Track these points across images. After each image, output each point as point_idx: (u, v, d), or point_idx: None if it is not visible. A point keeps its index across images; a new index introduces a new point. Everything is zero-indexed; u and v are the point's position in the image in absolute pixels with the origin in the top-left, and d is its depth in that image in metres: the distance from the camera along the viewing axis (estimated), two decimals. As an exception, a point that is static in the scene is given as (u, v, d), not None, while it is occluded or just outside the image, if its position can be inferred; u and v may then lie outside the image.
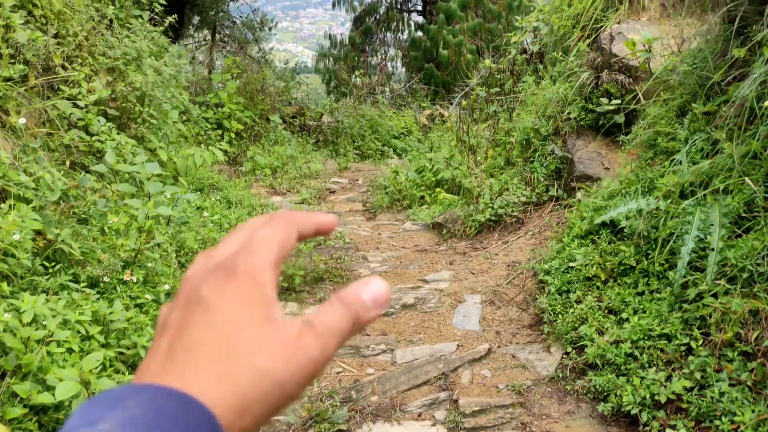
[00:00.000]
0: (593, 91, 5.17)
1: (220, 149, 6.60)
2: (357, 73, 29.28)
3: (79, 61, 5.81)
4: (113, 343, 3.14)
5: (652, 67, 4.59)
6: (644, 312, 3.29)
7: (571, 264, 3.85)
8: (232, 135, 9.98)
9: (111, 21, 6.42)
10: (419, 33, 26.49)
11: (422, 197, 6.61)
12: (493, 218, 5.04)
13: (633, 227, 3.62)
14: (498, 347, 3.63)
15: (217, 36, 21.24)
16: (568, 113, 5.23)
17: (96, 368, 2.72)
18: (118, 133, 5.77)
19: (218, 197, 6.55)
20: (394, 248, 5.14)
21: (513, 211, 5.00)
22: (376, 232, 5.64)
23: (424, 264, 4.71)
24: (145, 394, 0.35)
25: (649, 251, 3.52)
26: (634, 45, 4.52)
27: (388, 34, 27.84)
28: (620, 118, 4.92)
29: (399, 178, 6.76)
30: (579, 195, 4.83)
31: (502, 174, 5.62)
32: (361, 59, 26.93)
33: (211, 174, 7.45)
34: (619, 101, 4.88)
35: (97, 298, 3.26)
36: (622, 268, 3.58)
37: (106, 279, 3.45)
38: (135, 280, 3.52)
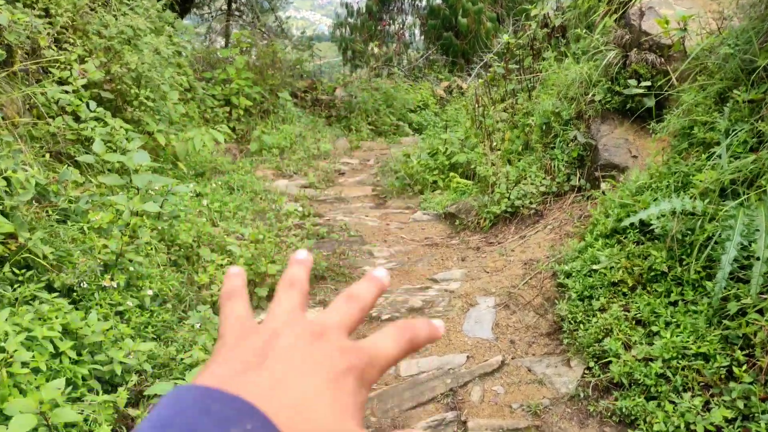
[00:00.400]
0: (620, 71, 4.74)
1: (221, 132, 6.27)
2: (374, 43, 28.70)
3: (72, 41, 5.48)
4: (87, 359, 2.86)
5: (687, 47, 4.15)
6: (678, 326, 2.93)
7: (594, 266, 3.49)
8: (241, 112, 9.67)
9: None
10: (438, 0, 25.86)
11: (435, 182, 6.25)
12: (509, 210, 4.67)
13: (665, 229, 3.24)
14: (512, 359, 3.30)
15: (233, 5, 20.83)
16: (593, 95, 4.81)
17: (63, 391, 2.44)
18: (113, 117, 5.48)
19: (220, 182, 6.25)
20: (403, 241, 4.81)
21: (531, 202, 4.62)
22: (385, 222, 5.31)
23: (434, 260, 4.38)
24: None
25: (683, 256, 3.15)
26: (668, 23, 4.08)
27: (406, 1, 27.22)
28: (650, 102, 4.50)
29: (410, 161, 6.40)
30: (603, 186, 4.44)
31: (519, 160, 5.23)
32: (379, 28, 26.40)
33: (214, 157, 7.14)
34: (649, 83, 4.46)
35: (72, 308, 2.98)
36: (652, 274, 3.21)
37: (83, 285, 3.17)
38: (115, 286, 3.23)
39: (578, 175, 4.72)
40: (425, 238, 4.86)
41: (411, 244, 4.72)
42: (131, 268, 3.33)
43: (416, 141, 10.00)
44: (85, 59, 5.44)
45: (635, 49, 4.64)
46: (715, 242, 2.99)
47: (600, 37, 5.08)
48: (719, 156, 3.25)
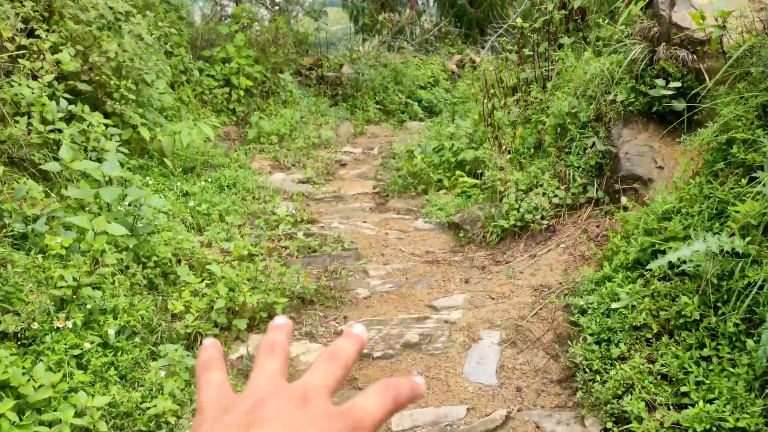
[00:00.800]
0: (646, 68, 4.25)
1: (211, 124, 5.84)
2: (383, 15, 27.98)
3: (45, 27, 5.05)
4: (33, 419, 2.51)
5: (726, 45, 3.66)
6: (712, 390, 2.53)
7: (613, 305, 3.07)
8: (241, 93, 9.22)
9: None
10: None
11: (440, 180, 5.80)
12: (518, 224, 4.24)
13: (698, 269, 2.81)
14: (518, 410, 2.92)
15: None
16: (614, 95, 4.33)
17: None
18: (93, 111, 5.07)
19: (210, 179, 5.84)
20: (402, 255, 4.40)
21: (542, 216, 4.19)
22: (383, 230, 4.89)
23: (435, 282, 3.97)
24: None
25: (718, 303, 2.73)
26: (703, 18, 3.58)
27: None
28: (680, 105, 4.02)
29: (414, 158, 5.95)
30: (624, 200, 4.00)
31: (531, 163, 4.77)
32: None
33: (206, 148, 6.72)
34: (679, 84, 3.97)
35: (16, 358, 2.61)
36: (681, 320, 2.80)
37: (35, 326, 2.80)
38: (71, 326, 2.86)
39: (596, 185, 4.27)
40: (426, 251, 4.44)
41: (410, 260, 4.31)
42: (89, 305, 2.96)
43: (422, 129, 9.51)
44: (60, 48, 5.01)
45: (664, 44, 4.14)
46: (758, 289, 2.56)
47: (624, 27, 4.57)
48: (764, 185, 2.80)
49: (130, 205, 3.68)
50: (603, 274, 3.31)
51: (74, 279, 2.99)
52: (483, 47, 20.18)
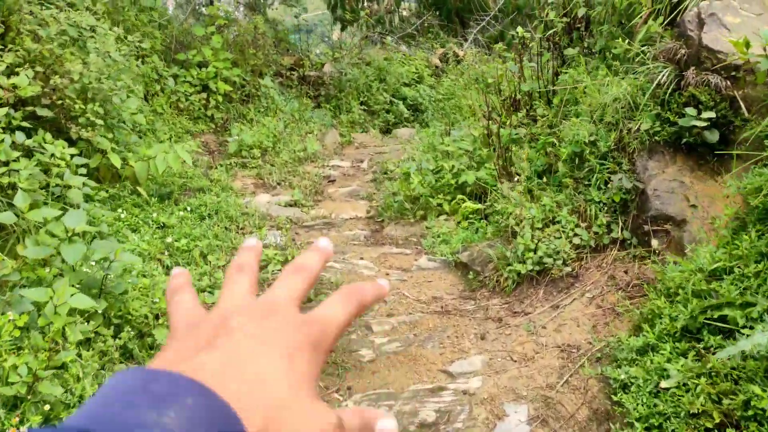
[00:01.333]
0: (673, 94, 3.84)
1: (189, 151, 5.32)
2: (364, 12, 27.58)
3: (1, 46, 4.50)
4: None
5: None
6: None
7: (663, 383, 2.68)
8: (219, 98, 8.70)
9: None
10: None
11: (440, 204, 5.37)
12: (536, 267, 3.83)
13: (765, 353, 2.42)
14: None
15: None
16: (638, 124, 3.92)
17: None
18: (55, 139, 4.54)
19: (189, 206, 5.33)
20: (407, 303, 3.96)
21: (564, 262, 3.78)
22: (383, 270, 4.45)
23: (447, 339, 3.55)
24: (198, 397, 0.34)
25: (795, 394, 2.34)
26: (748, 46, 3.18)
27: None
28: (713, 137, 3.63)
29: (411, 181, 5.50)
30: (655, 244, 3.60)
31: (542, 191, 4.36)
32: None
33: (185, 169, 6.20)
34: (713, 114, 3.57)
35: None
36: (750, 412, 2.40)
37: (-19, 434, 2.32)
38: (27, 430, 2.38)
39: (620, 223, 3.87)
40: (433, 297, 4.01)
41: (417, 308, 3.88)
42: (47, 404, 2.47)
43: (413, 134, 9.06)
44: (17, 69, 4.47)
45: (693, 68, 3.74)
46: None
47: (645, 47, 4.16)
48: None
49: (97, 262, 3.19)
50: (645, 341, 2.90)
51: (30, 370, 2.50)
52: (466, 40, 19.79)
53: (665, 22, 4.20)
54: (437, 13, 24.75)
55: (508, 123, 5.83)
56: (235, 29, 9.93)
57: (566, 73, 5.72)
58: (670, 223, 3.60)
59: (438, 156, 6.44)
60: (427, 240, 4.92)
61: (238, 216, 5.40)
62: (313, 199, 6.31)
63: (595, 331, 3.33)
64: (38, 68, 4.51)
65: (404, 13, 27.40)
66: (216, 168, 7.05)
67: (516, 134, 5.27)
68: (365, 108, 10.57)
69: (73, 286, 3.05)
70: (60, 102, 4.61)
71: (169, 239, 4.68)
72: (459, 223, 5.20)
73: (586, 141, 4.04)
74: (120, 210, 4.82)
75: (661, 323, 2.91)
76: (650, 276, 3.49)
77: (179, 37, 9.34)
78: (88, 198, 4.50)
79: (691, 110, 3.64)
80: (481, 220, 5.09)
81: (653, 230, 3.63)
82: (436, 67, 14.79)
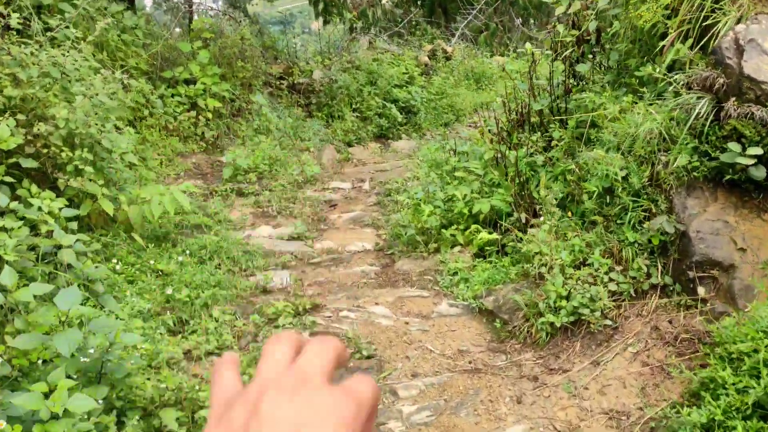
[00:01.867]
0: (712, 127, 3.57)
1: (185, 191, 4.99)
2: (344, 12, 27.18)
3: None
4: None
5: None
6: None
7: (737, 471, 2.41)
8: (209, 115, 8.36)
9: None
10: None
11: (453, 235, 5.08)
12: (571, 318, 3.55)
13: None
14: None
15: None
16: (674, 158, 3.65)
17: None
18: (41, 190, 4.21)
19: (188, 249, 5.01)
20: (431, 358, 3.67)
21: (603, 313, 3.50)
22: (401, 317, 4.15)
23: (481, 404, 3.26)
24: None
25: None
26: (806, 80, 2.91)
27: None
28: (759, 174, 3.36)
29: (422, 212, 5.20)
30: (702, 292, 3.34)
31: (569, 231, 4.08)
32: None
33: (178, 199, 5.86)
34: (760, 150, 3.31)
35: None
36: None
37: None
38: None
39: (660, 267, 3.60)
40: (460, 351, 3.72)
41: (444, 366, 3.59)
42: None
43: (413, 147, 8.76)
44: (-2, 117, 4.12)
45: (733, 99, 3.47)
46: None
47: (673, 73, 3.88)
48: None
49: (96, 347, 2.87)
50: (709, 416, 2.64)
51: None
52: (453, 35, 19.50)
53: (694, 46, 3.92)
54: (419, 3, 24.44)
55: (515, 142, 5.56)
56: (221, 41, 9.57)
57: (581, 91, 5.45)
58: (717, 268, 3.34)
59: (444, 176, 6.16)
60: (444, 278, 4.63)
61: (240, 256, 5.08)
62: (316, 228, 6.00)
63: (644, 394, 3.06)
64: (20, 116, 4.16)
65: (387, 5, 27.08)
66: (212, 196, 6.73)
67: (531, 159, 4.99)
68: (358, 115, 10.31)
69: (69, 377, 2.74)
70: (45, 150, 4.26)
71: (169, 290, 4.37)
72: (475, 255, 4.92)
73: (617, 177, 3.77)
74: (115, 260, 4.48)
75: (726, 395, 2.64)
76: (700, 329, 3.23)
77: (165, 54, 8.96)
78: (80, 255, 4.17)
79: (734, 145, 3.38)
80: (498, 252, 4.82)
81: (699, 277, 3.37)
82: (426, 65, 14.55)
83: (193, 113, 8.19)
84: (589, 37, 5.71)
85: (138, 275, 4.51)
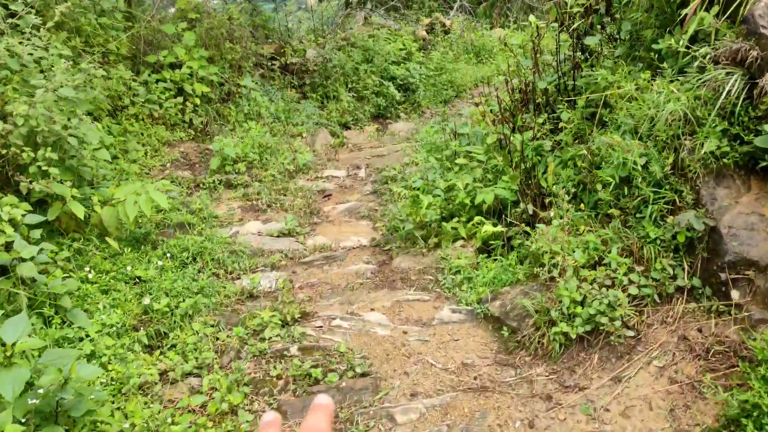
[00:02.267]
0: (743, 106, 3.15)
1: (165, 191, 4.61)
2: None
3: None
4: None
5: None
6: None
7: None
8: (197, 101, 7.94)
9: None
10: None
11: (454, 228, 4.69)
12: (587, 327, 3.17)
13: None
14: None
15: None
16: (701, 143, 3.23)
17: None
18: (3, 193, 3.84)
19: (168, 252, 4.64)
20: (432, 374, 3.31)
21: (623, 322, 3.12)
22: (400, 326, 3.78)
23: (488, 428, 2.90)
24: None
25: None
26: None
27: None
28: (800, 161, 2.95)
29: (420, 204, 4.80)
30: (735, 296, 2.95)
31: (582, 225, 3.68)
32: None
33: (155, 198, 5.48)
34: (800, 134, 2.89)
35: None
36: None
37: None
38: None
39: (686, 268, 3.21)
40: (464, 365, 3.35)
41: (446, 383, 3.22)
42: None
43: (411, 129, 8.32)
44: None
45: (769, 74, 3.04)
46: None
47: (704, 48, 3.44)
48: None
49: (49, 386, 2.51)
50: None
51: None
52: (451, 7, 18.90)
53: (721, 15, 3.48)
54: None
55: (520, 124, 5.13)
56: (208, 22, 9.07)
57: (591, 66, 5.02)
58: (752, 269, 2.95)
59: (444, 161, 5.76)
60: (445, 277, 4.25)
61: (226, 257, 4.70)
62: (309, 221, 5.61)
63: (673, 417, 2.70)
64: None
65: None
66: (199, 189, 6.35)
67: (538, 143, 4.57)
68: (354, 95, 9.89)
69: (18, 421, 2.39)
70: (4, 151, 3.87)
71: (146, 300, 4.00)
72: (479, 249, 4.54)
73: (637, 165, 3.35)
74: (87, 268, 4.12)
75: (772, 426, 2.27)
76: (734, 339, 2.85)
77: (148, 37, 8.49)
78: (47, 265, 3.80)
79: (770, 128, 2.96)
80: (504, 247, 4.44)
81: (732, 279, 2.98)
82: (423, 39, 14.06)
83: (179, 99, 7.77)
84: (597, 7, 5.26)
85: (113, 284, 4.15)
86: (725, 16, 3.42)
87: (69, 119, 4.30)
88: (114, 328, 3.70)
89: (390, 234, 5.13)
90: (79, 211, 4.22)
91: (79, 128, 4.34)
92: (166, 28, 8.37)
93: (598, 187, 3.75)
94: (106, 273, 4.22)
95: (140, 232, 4.85)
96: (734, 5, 3.38)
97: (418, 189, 5.25)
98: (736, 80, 3.12)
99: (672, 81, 3.58)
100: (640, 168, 3.37)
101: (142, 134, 7.19)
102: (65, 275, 3.89)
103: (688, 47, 3.53)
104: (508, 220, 4.57)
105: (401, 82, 10.63)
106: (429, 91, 11.43)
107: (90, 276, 4.07)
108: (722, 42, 3.31)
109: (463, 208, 4.81)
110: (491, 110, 5.56)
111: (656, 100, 3.42)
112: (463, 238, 4.68)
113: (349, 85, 9.87)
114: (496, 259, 4.23)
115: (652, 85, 3.68)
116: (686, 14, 3.59)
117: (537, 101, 5.30)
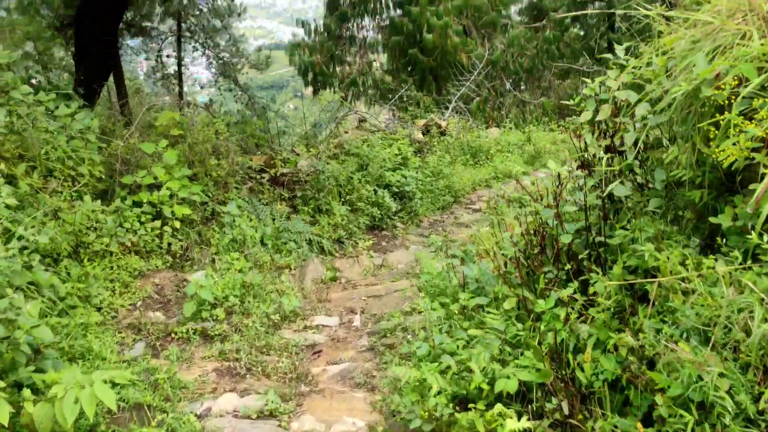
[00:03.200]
0: None
1: (114, 384, 3.77)
2: (334, 81, 26.67)
3: None
4: None
5: None
6: None
7: None
8: (176, 224, 7.21)
9: None
10: (399, 11, 24.37)
11: (471, 421, 3.84)
12: None
13: None
14: None
15: (183, 26, 18.80)
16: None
17: None
18: None
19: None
20: None
21: None
22: None
23: None
24: None
25: None
26: None
27: (366, 18, 25.70)
28: None
29: (426, 395, 3.98)
30: None
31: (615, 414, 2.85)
32: (338, 48, 24.91)
33: (99, 396, 4.63)
34: None
35: None
36: None
37: None
38: None
39: None
40: None
41: None
42: None
43: (410, 262, 7.58)
44: None
45: None
46: None
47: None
48: None
49: None
50: None
51: None
52: (446, 108, 18.77)
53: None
54: (410, 71, 23.91)
55: (542, 287, 4.39)
56: (192, 138, 8.50)
57: (617, 217, 4.36)
58: None
59: (452, 314, 5.00)
60: (464, 500, 3.36)
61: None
62: (294, 392, 4.72)
63: None
64: None
65: (377, 73, 26.65)
66: (170, 340, 5.52)
67: (569, 332, 3.81)
68: (349, 208, 9.29)
69: None
70: None
71: None
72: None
73: (720, 394, 2.57)
74: (7, 495, 3.22)
75: None
76: None
77: (125, 156, 7.88)
78: None
79: None
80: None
81: None
82: (419, 142, 13.74)
83: (157, 223, 7.06)
84: (623, 149, 4.62)
85: None
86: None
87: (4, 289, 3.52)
88: None
89: (392, 423, 4.25)
90: (3, 414, 3.36)
91: (11, 307, 3.56)
92: (145, 147, 7.79)
93: (659, 400, 2.96)
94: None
95: (85, 424, 3.95)
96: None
97: (421, 358, 4.46)
98: None
99: (745, 270, 2.87)
100: (724, 395, 2.58)
101: (111, 268, 6.42)
102: None
103: (761, 234, 2.84)
104: (537, 409, 3.77)
105: (397, 190, 10.13)
106: (426, 198, 10.93)
107: None
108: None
109: (479, 393, 3.98)
110: (505, 262, 4.83)
111: (733, 303, 2.68)
112: (481, 435, 3.82)
113: (343, 197, 9.30)
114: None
115: (715, 272, 2.97)
116: (756, 192, 2.92)
117: (555, 250, 4.59)
